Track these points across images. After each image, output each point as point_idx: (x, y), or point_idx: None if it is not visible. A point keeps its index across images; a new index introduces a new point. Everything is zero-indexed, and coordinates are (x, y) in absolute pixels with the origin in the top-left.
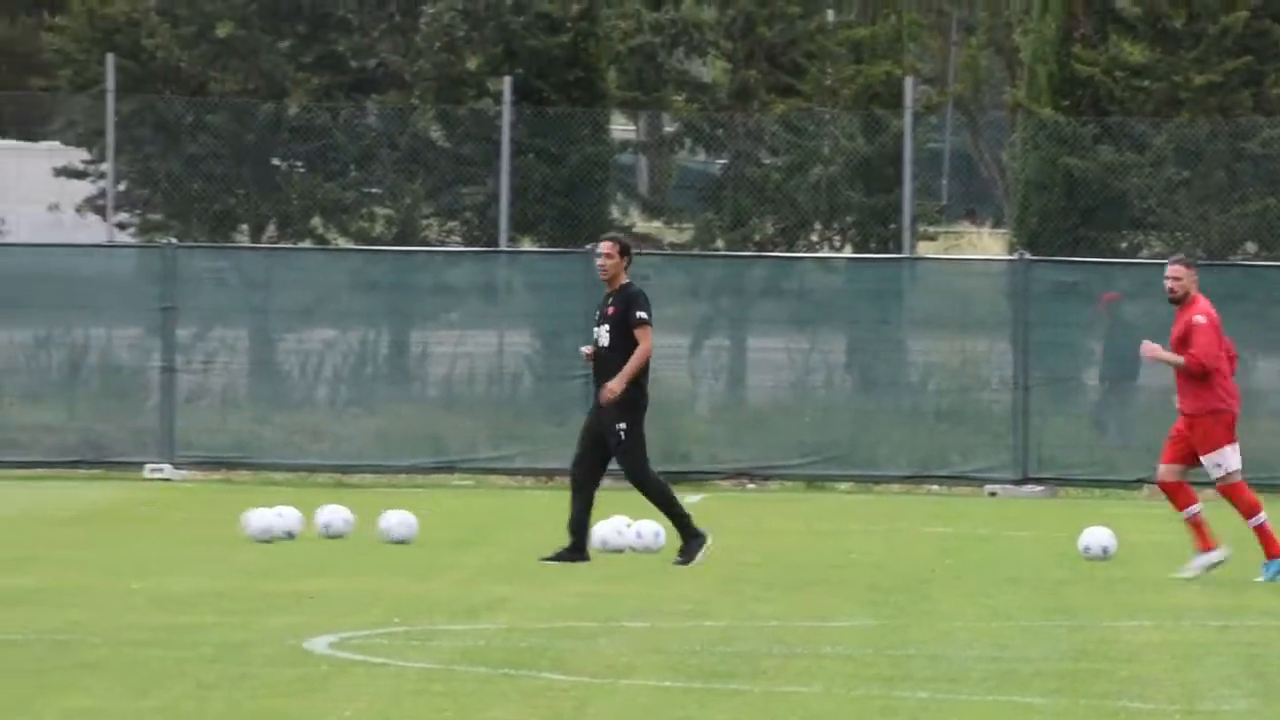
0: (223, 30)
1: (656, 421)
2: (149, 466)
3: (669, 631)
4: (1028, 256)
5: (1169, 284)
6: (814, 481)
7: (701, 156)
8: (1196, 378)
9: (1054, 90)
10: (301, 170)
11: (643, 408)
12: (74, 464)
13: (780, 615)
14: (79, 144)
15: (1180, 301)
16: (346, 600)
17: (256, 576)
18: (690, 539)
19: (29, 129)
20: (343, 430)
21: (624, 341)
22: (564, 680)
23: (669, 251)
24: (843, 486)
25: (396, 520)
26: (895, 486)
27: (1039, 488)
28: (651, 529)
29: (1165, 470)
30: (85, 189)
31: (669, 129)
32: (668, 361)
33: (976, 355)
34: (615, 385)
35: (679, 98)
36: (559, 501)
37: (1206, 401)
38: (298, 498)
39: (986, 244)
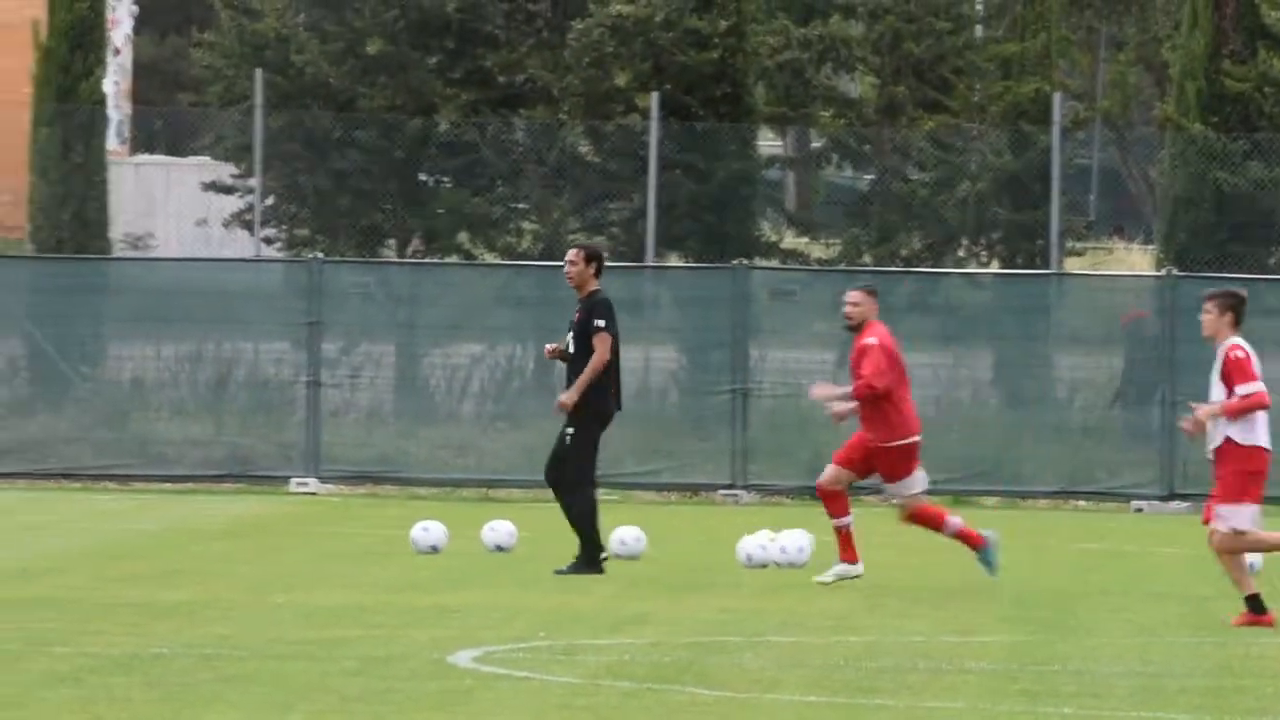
0: (371, 46)
1: (805, 436)
2: (294, 480)
3: (813, 646)
4: (1175, 273)
5: (846, 309)
6: (960, 497)
7: (849, 172)
8: (872, 402)
9: (1203, 106)
10: (449, 185)
11: (601, 416)
12: (220, 478)
13: (925, 630)
14: (227, 159)
15: (857, 329)
16: (490, 614)
17: (401, 590)
18: (588, 563)
19: (178, 144)
20: (488, 445)
21: (586, 350)
22: (708, 695)
23: (815, 267)
24: (989, 502)
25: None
26: (1042, 502)
27: (1185, 504)
28: (796, 543)
29: (834, 474)
30: (233, 204)
31: (816, 144)
32: (814, 377)
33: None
34: (567, 398)
35: (826, 113)
36: (706, 517)
37: (892, 432)
38: (443, 512)
39: (1134, 260)
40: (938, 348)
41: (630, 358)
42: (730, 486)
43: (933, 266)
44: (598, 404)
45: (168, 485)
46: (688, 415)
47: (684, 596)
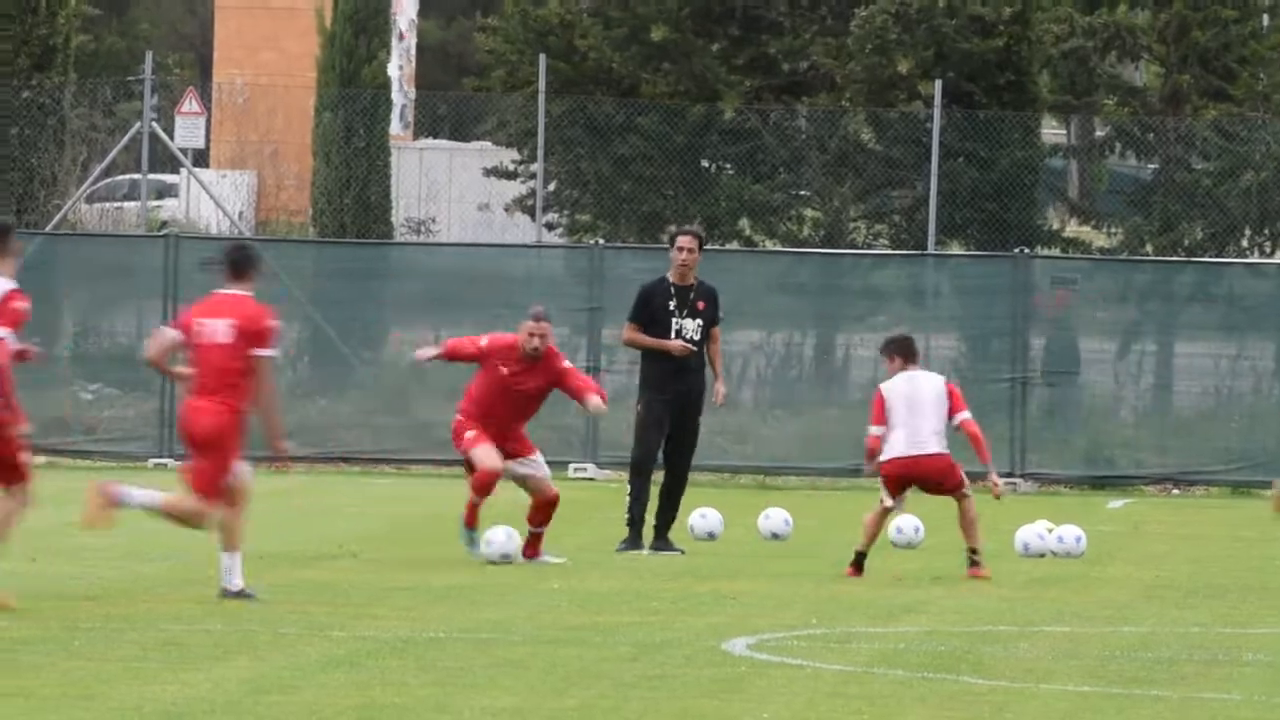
0: (655, 33)
1: (1085, 425)
2: (573, 466)
3: (1089, 636)
4: None
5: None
6: (1239, 488)
7: (1132, 161)
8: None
9: None
10: (730, 172)
11: None
12: None
13: (1202, 621)
14: (510, 144)
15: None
16: (765, 601)
17: (677, 576)
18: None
19: (461, 129)
20: (766, 432)
21: (705, 337)
22: (982, 684)
23: (1097, 256)
24: (1269, 493)
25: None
26: None
27: None
28: (1073, 534)
29: None
30: (515, 189)
31: (1100, 133)
32: (1094, 366)
33: None
34: (727, 388)
35: (1110, 101)
36: (983, 505)
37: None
38: (720, 499)
39: None
40: (1220, 338)
41: None
42: (1009, 475)
43: (1215, 256)
44: None
45: (445, 470)
46: (967, 403)
47: (960, 585)
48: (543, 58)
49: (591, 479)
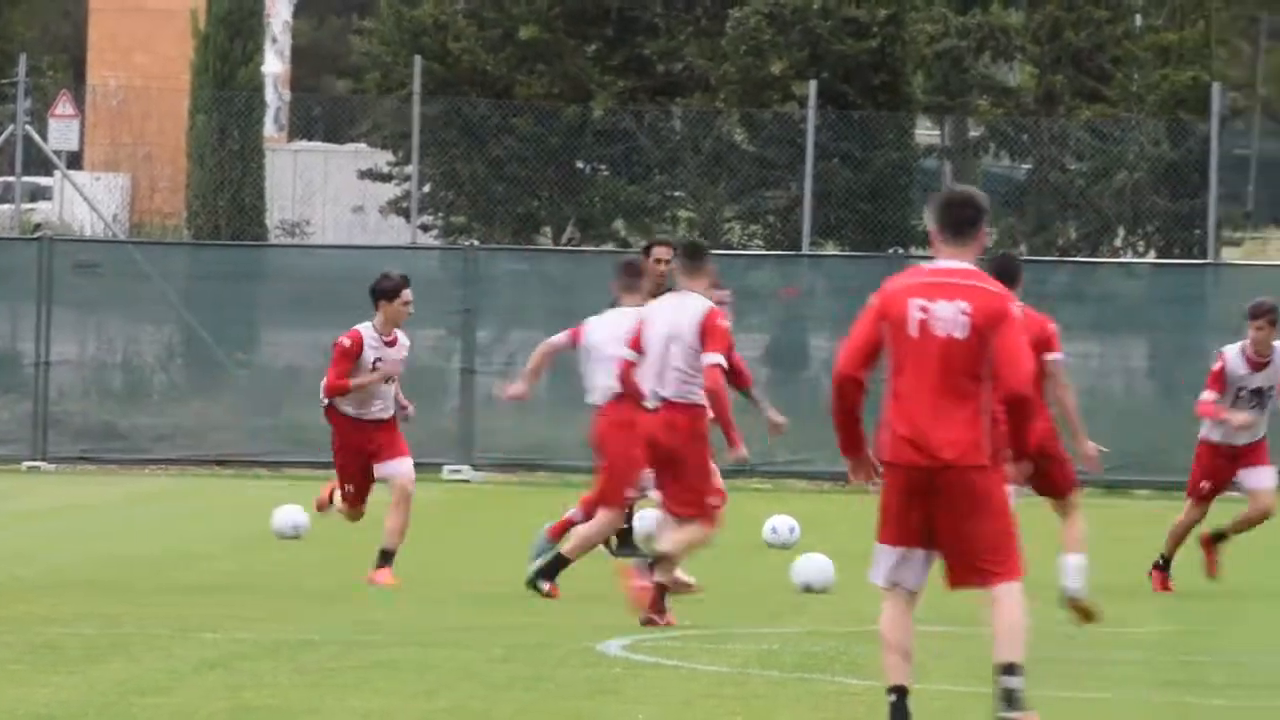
0: (524, 32)
1: None
2: (447, 468)
3: (965, 636)
4: None
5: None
6: (1113, 488)
7: (1006, 161)
8: None
9: None
10: (605, 173)
11: None
12: None
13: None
14: (384, 146)
15: None
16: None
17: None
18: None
19: (336, 131)
20: None
21: None
22: (857, 685)
23: None
24: (1142, 493)
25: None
26: None
27: None
28: None
29: None
30: (389, 191)
31: (974, 133)
32: None
33: None
34: None
35: (984, 102)
36: (859, 505)
37: None
38: None
39: None
40: (1092, 337)
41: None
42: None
43: (1089, 256)
44: None
45: (320, 471)
46: None
47: (840, 586)
48: (418, 59)
49: (467, 480)
